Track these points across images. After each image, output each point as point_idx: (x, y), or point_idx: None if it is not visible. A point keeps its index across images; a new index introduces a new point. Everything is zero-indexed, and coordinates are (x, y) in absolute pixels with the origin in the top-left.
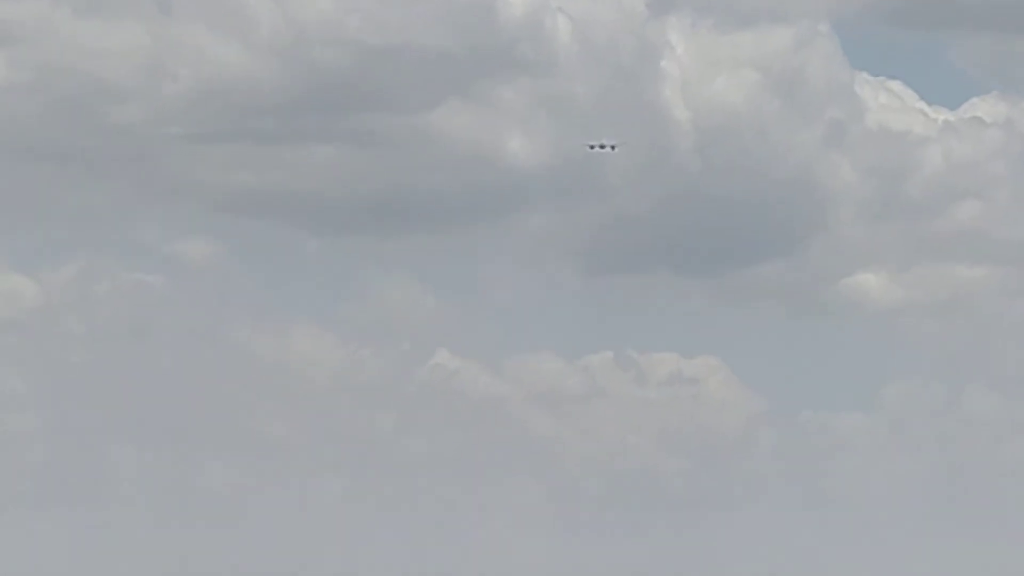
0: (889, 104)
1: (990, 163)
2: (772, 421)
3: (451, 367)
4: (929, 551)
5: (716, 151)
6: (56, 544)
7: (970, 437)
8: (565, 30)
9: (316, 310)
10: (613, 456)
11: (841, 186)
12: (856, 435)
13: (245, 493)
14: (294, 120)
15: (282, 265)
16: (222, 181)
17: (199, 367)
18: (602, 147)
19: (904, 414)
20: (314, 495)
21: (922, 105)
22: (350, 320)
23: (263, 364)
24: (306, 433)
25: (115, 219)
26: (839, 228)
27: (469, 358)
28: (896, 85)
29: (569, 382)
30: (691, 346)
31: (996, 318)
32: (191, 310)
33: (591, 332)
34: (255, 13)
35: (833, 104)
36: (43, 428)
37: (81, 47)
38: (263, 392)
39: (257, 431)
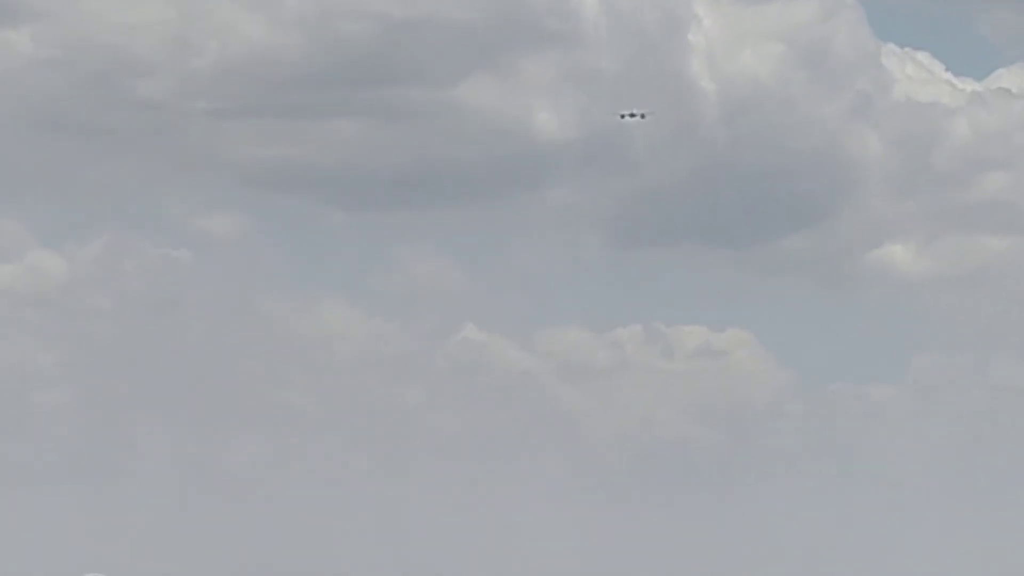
0: (916, 75)
1: (1018, 134)
2: (801, 393)
3: (479, 341)
4: (959, 521)
5: (743, 123)
6: (82, 518)
7: (999, 407)
8: (591, 2)
9: (343, 284)
10: (642, 429)
11: (868, 158)
12: (885, 406)
13: (272, 468)
14: (320, 94)
15: (309, 239)
16: (249, 155)
17: (226, 342)
18: (632, 116)
19: (933, 385)
20: (342, 469)
21: (949, 76)
22: (377, 294)
23: (290, 339)
24: (334, 407)
25: (142, 194)
26: (866, 200)
27: (497, 332)
28: (923, 56)
29: (598, 355)
30: (719, 319)
31: (1021, 287)
32: (218, 285)
33: (620, 305)
34: None
35: (860, 76)
36: (70, 403)
37: (106, 22)
38: (290, 367)
39: (284, 405)
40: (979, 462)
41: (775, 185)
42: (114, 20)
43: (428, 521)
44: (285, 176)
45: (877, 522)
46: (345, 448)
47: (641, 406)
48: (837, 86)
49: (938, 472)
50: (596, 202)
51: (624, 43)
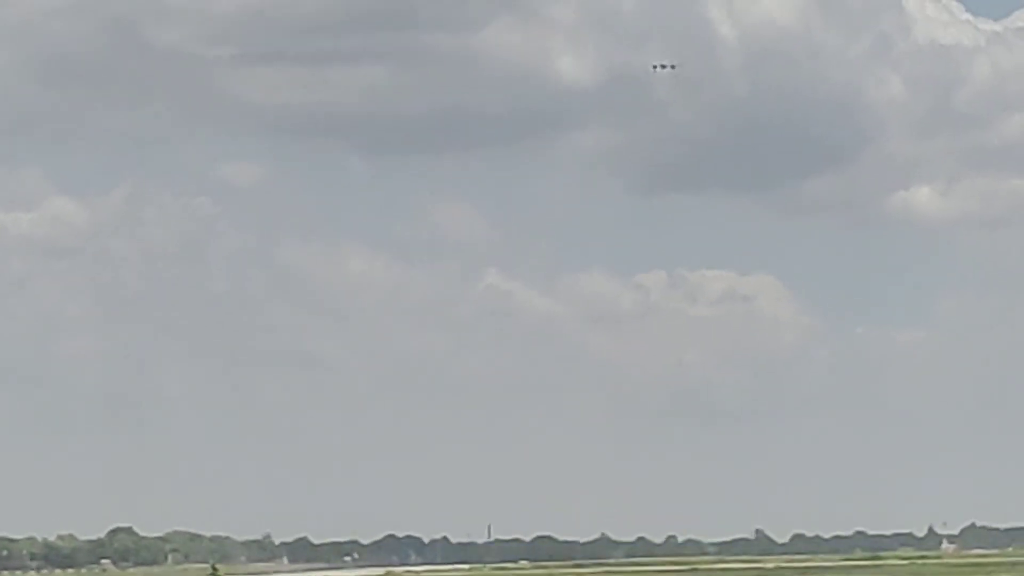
0: (936, 17)
1: None
2: (826, 337)
3: (503, 288)
4: (985, 460)
5: (765, 68)
6: (112, 462)
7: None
8: None
9: (366, 231)
10: (668, 373)
11: (891, 100)
12: (911, 349)
13: (298, 412)
14: (342, 40)
15: (332, 186)
16: (270, 102)
17: (249, 289)
18: (663, 67)
19: (958, 327)
20: (368, 413)
21: (968, 16)
22: (400, 241)
23: (314, 285)
24: (358, 353)
25: (162, 142)
26: (890, 142)
27: (520, 279)
28: None
29: (622, 300)
30: (744, 264)
31: None
32: (241, 232)
33: (643, 250)
34: None
35: (880, 18)
36: (97, 350)
37: None
38: (315, 312)
39: (310, 350)
40: (1004, 402)
41: (798, 129)
42: None
43: (454, 465)
44: (307, 123)
45: (903, 463)
46: (369, 394)
47: (666, 350)
48: (858, 29)
49: (964, 413)
50: (619, 147)
51: None
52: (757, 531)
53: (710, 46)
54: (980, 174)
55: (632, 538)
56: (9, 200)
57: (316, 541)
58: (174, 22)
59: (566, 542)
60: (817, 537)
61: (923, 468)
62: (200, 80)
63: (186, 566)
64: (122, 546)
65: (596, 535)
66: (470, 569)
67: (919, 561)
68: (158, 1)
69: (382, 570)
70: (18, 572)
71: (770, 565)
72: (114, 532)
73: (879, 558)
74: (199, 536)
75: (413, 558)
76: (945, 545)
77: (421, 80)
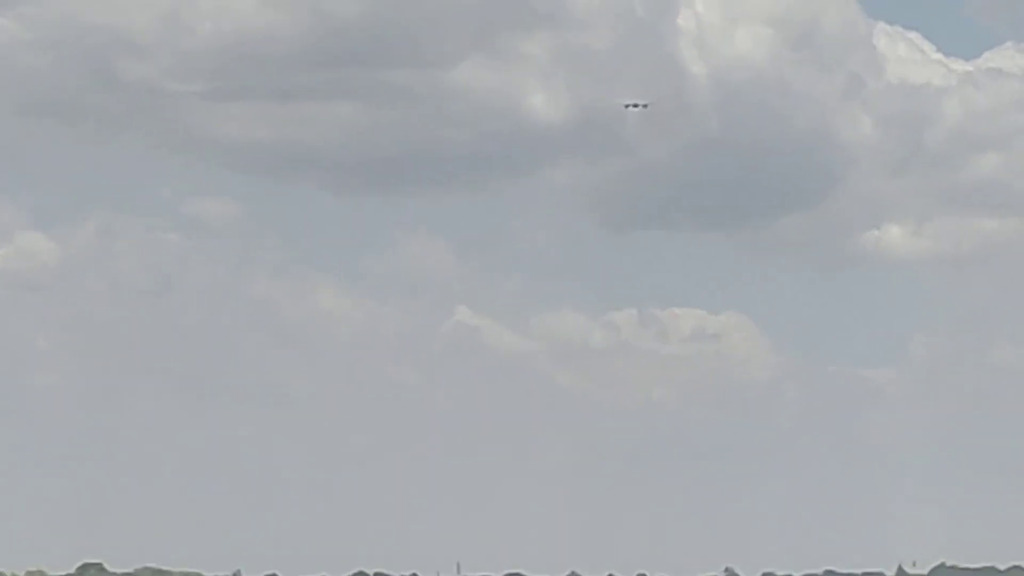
0: (908, 56)
1: (1009, 114)
2: (798, 375)
3: (472, 324)
4: (955, 500)
5: (737, 106)
6: (82, 497)
7: (995, 387)
8: None
9: (337, 267)
10: (638, 411)
11: (862, 139)
12: (882, 388)
13: (270, 447)
14: (314, 76)
15: (303, 222)
16: (240, 138)
17: (221, 324)
18: (635, 106)
19: (929, 366)
20: (338, 449)
21: (940, 56)
22: (370, 277)
23: (285, 320)
24: (328, 389)
25: (133, 177)
26: (861, 181)
27: (489, 315)
28: (914, 36)
29: (592, 338)
30: (715, 302)
31: (1019, 269)
32: (212, 268)
33: (614, 288)
34: None
35: (852, 57)
36: (67, 385)
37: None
38: (284, 349)
39: (281, 386)
40: (975, 442)
41: (770, 167)
42: (102, 1)
43: (425, 501)
44: (278, 159)
45: (873, 501)
46: (340, 429)
47: (637, 388)
48: (829, 68)
49: (934, 452)
50: (590, 185)
51: (616, 25)
52: (727, 569)
53: (681, 84)
54: (951, 213)
55: (602, 575)
56: None
57: None
58: (145, 57)
59: None
60: (787, 575)
61: (893, 507)
62: (171, 116)
63: None
64: None
65: (566, 572)
66: None
67: None
68: (129, 36)
69: None
70: None
71: None
72: (84, 567)
73: None
74: (169, 572)
75: None
76: None
77: (393, 117)
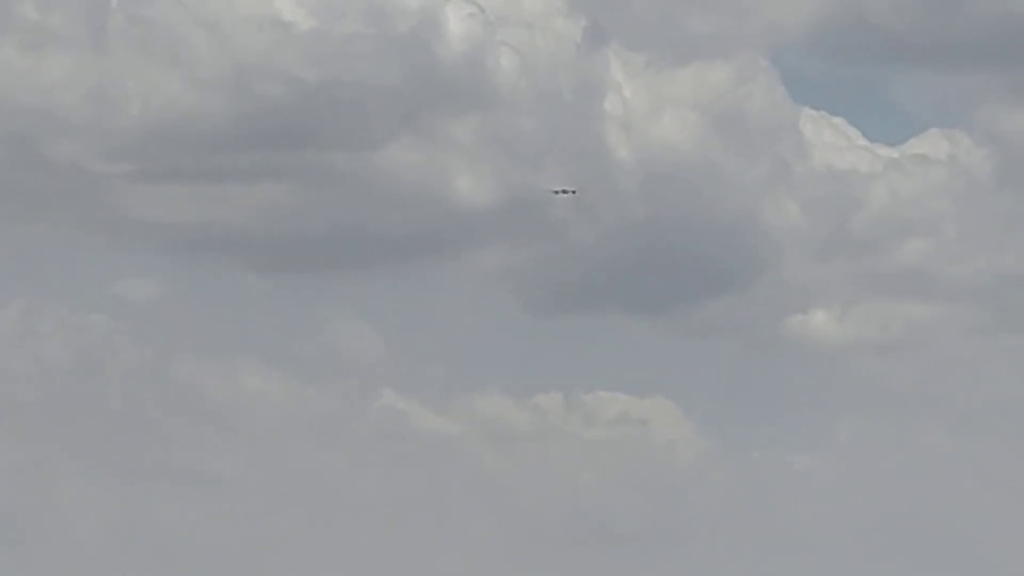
0: (834, 142)
1: (935, 200)
2: (723, 461)
3: (399, 407)
4: None
5: (663, 192)
6: None
7: (921, 475)
8: (511, 66)
9: (263, 348)
10: (564, 496)
11: (788, 224)
12: (807, 474)
13: (193, 529)
14: (240, 158)
15: (229, 303)
16: (166, 219)
17: (146, 407)
18: (564, 192)
19: (855, 453)
20: (264, 533)
21: (865, 142)
22: (297, 359)
23: (211, 403)
24: (254, 471)
25: (58, 258)
26: (786, 267)
27: (415, 398)
28: (839, 121)
29: (518, 422)
30: (641, 386)
31: (945, 356)
32: (137, 350)
33: (540, 372)
34: (196, 47)
35: (778, 142)
36: None
37: (20, 80)
38: (211, 431)
39: (205, 470)
40: (901, 528)
41: (696, 252)
42: (28, 79)
43: None
44: (204, 239)
45: None
46: (266, 511)
47: (562, 472)
48: (756, 153)
49: (860, 540)
50: (517, 268)
51: (543, 109)
52: None
53: (608, 168)
54: (876, 299)
55: None
56: None
57: None
58: (71, 137)
59: None
60: None
61: None
62: (97, 196)
63: None
64: None
65: None
66: None
67: None
68: (55, 116)
69: None
70: None
71: None
72: None
73: None
74: None
75: None
76: None
77: (320, 198)
